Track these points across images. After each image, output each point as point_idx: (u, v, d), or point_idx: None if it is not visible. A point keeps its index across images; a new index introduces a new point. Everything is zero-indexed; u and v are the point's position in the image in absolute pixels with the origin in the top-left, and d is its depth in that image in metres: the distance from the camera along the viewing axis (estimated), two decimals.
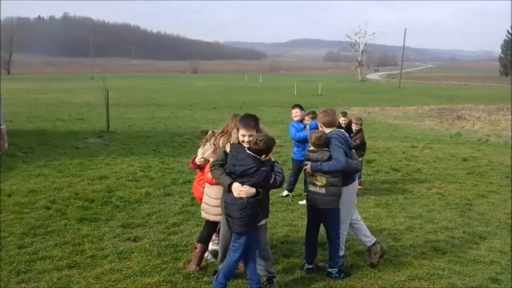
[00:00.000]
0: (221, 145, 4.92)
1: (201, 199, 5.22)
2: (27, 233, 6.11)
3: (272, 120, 21.77)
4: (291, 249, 5.83)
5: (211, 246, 5.54)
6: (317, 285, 4.83)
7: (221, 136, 5.01)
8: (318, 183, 5.00)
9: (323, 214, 5.09)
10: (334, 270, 5.08)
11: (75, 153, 12.31)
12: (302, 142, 8.11)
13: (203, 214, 5.13)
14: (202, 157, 5.13)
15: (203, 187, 5.17)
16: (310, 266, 5.18)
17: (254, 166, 4.37)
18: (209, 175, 4.93)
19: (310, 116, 8.32)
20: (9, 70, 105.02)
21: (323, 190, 4.98)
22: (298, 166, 8.35)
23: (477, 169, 11.29)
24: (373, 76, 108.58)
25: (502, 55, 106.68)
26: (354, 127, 9.33)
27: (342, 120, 8.99)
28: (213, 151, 5.01)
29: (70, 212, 7.09)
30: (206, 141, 5.19)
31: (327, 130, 5.24)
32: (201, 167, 5.21)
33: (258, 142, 4.44)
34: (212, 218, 5.04)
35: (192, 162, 5.24)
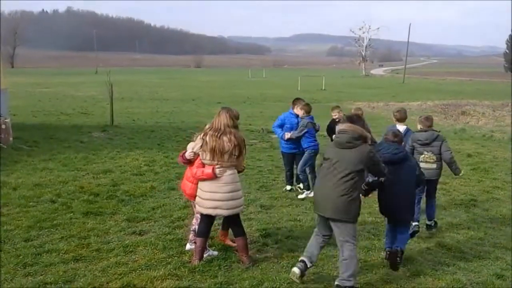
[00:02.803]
0: (208, 140, 4.94)
1: (192, 196, 5.25)
2: (33, 227, 6.14)
3: (276, 115, 21.72)
4: (295, 244, 5.84)
5: (188, 246, 5.53)
6: (323, 280, 4.85)
7: (210, 131, 5.02)
8: (430, 160, 6.46)
9: (432, 185, 6.59)
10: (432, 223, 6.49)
11: (79, 147, 12.35)
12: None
13: (197, 208, 5.19)
14: (192, 152, 5.15)
15: (195, 183, 5.20)
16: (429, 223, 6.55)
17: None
18: (198, 172, 5.05)
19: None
20: (12, 64, 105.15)
21: (435, 165, 6.49)
22: (290, 158, 8.38)
23: (482, 165, 11.27)
24: (377, 71, 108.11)
25: (507, 50, 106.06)
26: (336, 115, 8.72)
27: (334, 114, 8.67)
28: (201, 145, 5.03)
29: (76, 205, 7.12)
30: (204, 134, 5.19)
31: (401, 127, 6.96)
32: (191, 162, 5.22)
33: (398, 133, 5.64)
34: (204, 211, 5.08)
35: (182, 156, 5.26)
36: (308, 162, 8.13)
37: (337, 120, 8.66)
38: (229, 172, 5.03)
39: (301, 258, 4.78)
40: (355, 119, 5.00)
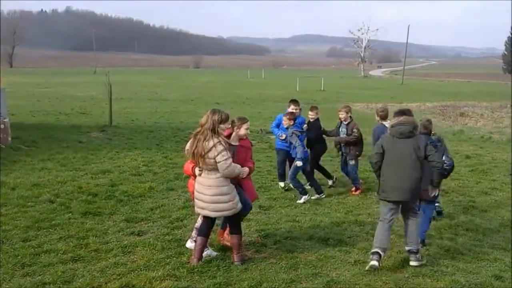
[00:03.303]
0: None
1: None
2: (31, 227, 6.13)
3: (274, 116, 21.69)
4: (294, 244, 5.84)
5: (189, 243, 5.55)
6: (321, 281, 4.84)
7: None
8: None
9: None
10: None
11: (78, 147, 12.33)
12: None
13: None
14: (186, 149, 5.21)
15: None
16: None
17: None
18: (185, 166, 5.24)
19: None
20: (11, 63, 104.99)
21: None
22: (284, 156, 8.38)
23: (480, 166, 11.28)
24: (376, 72, 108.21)
25: (505, 52, 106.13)
26: (342, 115, 8.68)
27: (310, 115, 8.60)
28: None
29: (74, 205, 7.12)
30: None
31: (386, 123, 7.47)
32: None
33: (428, 125, 6.13)
34: (196, 210, 5.16)
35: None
36: (297, 171, 8.03)
37: (311, 120, 8.67)
38: (214, 175, 4.92)
39: (374, 250, 5.23)
40: (407, 112, 5.69)
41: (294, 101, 8.44)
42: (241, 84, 51.02)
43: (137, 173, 9.45)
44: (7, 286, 4.56)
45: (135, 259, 5.23)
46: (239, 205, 5.10)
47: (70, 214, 6.73)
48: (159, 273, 4.81)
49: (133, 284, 4.61)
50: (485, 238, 6.40)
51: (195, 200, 5.12)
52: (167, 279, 4.73)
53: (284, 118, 8.09)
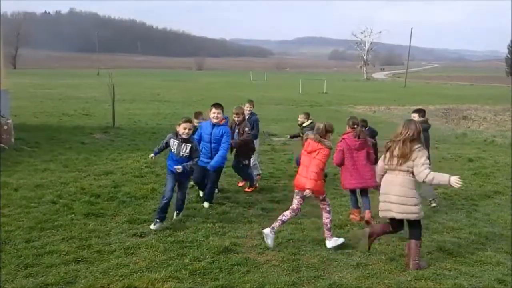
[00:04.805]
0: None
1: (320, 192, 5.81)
2: (34, 227, 6.14)
3: (276, 118, 21.78)
4: (296, 247, 5.84)
5: (267, 230, 5.86)
6: (323, 283, 4.84)
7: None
8: None
9: None
10: None
11: (81, 148, 12.36)
12: None
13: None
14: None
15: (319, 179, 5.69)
16: None
17: None
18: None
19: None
20: (15, 64, 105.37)
21: None
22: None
23: (483, 169, 11.25)
24: (379, 75, 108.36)
25: (508, 55, 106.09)
26: (236, 118, 8.37)
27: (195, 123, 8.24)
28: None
29: (77, 207, 7.11)
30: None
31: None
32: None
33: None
34: (380, 214, 5.38)
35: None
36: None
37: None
38: (409, 177, 5.18)
39: None
40: (423, 112, 8.04)
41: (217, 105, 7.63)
42: (243, 86, 51.07)
43: (140, 175, 9.46)
44: (9, 287, 4.57)
45: (137, 260, 5.23)
46: (422, 213, 5.30)
47: (73, 215, 6.73)
48: (161, 275, 4.81)
49: (136, 285, 4.61)
50: (488, 242, 6.38)
51: (380, 203, 5.29)
52: (169, 281, 4.73)
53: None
